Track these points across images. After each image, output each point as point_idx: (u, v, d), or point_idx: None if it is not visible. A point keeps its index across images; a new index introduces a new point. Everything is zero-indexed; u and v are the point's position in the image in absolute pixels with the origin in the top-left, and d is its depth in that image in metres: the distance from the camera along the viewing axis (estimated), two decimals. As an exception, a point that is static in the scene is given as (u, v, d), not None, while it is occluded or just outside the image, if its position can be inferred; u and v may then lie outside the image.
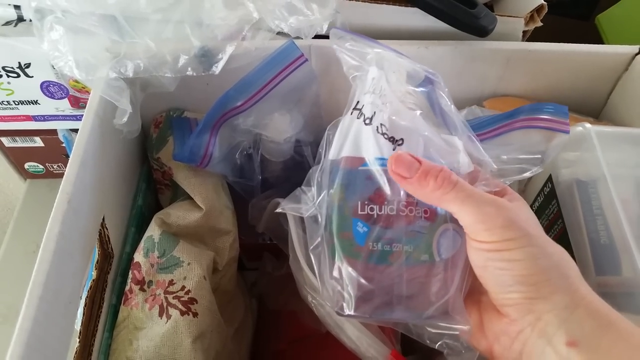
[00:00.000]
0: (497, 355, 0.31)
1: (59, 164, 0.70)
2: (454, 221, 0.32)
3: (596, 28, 0.61)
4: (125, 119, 0.40)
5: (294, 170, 0.52)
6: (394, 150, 0.33)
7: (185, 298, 0.41)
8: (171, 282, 0.42)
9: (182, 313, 0.41)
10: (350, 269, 0.33)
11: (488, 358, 0.32)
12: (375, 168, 0.33)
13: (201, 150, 0.44)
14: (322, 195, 0.35)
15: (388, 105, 0.34)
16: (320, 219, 0.35)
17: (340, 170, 0.34)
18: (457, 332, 0.32)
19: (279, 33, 0.44)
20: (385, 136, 0.33)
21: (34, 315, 0.32)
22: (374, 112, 0.33)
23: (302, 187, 0.37)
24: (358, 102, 0.35)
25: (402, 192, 0.33)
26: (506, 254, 0.29)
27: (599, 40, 0.60)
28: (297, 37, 0.43)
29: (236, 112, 0.45)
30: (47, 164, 0.70)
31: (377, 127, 0.33)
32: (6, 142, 0.65)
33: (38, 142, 0.65)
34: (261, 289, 0.58)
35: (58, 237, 0.34)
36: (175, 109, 0.49)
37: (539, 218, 0.44)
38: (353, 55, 0.37)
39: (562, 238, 0.41)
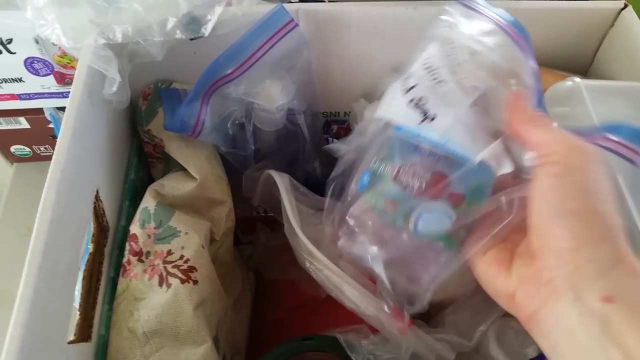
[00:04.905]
0: (518, 301, 0.30)
1: (46, 146, 0.69)
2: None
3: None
4: (114, 89, 0.40)
5: (287, 140, 0.52)
6: (420, 123, 0.32)
7: (185, 267, 0.41)
8: (169, 252, 0.42)
9: (182, 281, 0.41)
10: (356, 213, 0.34)
11: (504, 304, 0.31)
12: (402, 135, 0.33)
13: (192, 120, 0.44)
14: (357, 142, 0.37)
15: (442, 83, 0.33)
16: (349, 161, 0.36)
17: (378, 129, 0.35)
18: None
19: (265, -3, 0.43)
20: (421, 108, 0.33)
21: (35, 284, 0.32)
22: (415, 85, 0.33)
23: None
24: (411, 70, 0.34)
25: (428, 166, 0.33)
26: (569, 178, 0.28)
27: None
28: (285, 1, 0.43)
29: (227, 80, 0.45)
30: (33, 147, 0.69)
31: (414, 98, 0.33)
32: (-9, 125, 0.64)
33: (24, 123, 0.64)
34: (257, 260, 0.58)
35: (54, 207, 0.34)
36: (163, 81, 0.48)
37: (531, 174, 0.45)
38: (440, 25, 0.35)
39: (556, 191, 0.41)
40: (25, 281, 0.31)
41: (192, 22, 0.39)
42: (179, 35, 0.38)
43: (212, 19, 0.38)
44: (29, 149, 0.69)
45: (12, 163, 0.72)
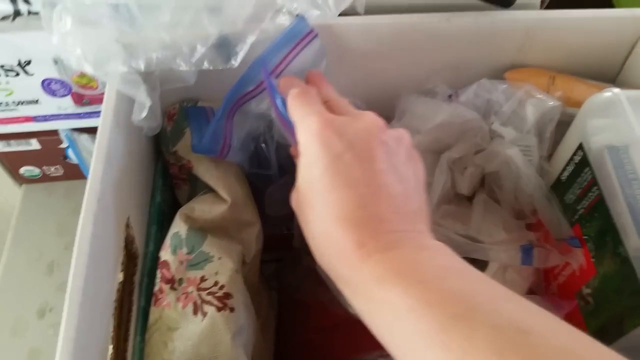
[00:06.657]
0: None
1: (57, 167, 0.67)
2: None
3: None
4: (144, 114, 0.38)
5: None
6: None
7: (220, 293, 0.40)
8: (203, 279, 0.41)
9: (219, 309, 0.39)
10: None
11: None
12: None
13: (220, 140, 0.43)
14: None
15: None
16: None
17: None
18: None
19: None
20: None
21: (77, 324, 0.30)
22: None
23: None
24: None
25: None
26: None
27: (611, 6, 0.60)
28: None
29: (249, 97, 0.43)
30: (43, 167, 0.67)
31: None
32: (0, 146, 0.62)
33: (34, 144, 0.62)
34: (283, 279, 0.56)
35: (91, 240, 0.33)
36: (188, 100, 0.47)
37: (569, 187, 0.44)
38: None
39: (599, 205, 0.40)
40: (67, 321, 0.30)
41: (222, 45, 0.38)
42: (206, 66, 0.37)
43: (243, 49, 0.37)
44: (39, 170, 0.67)
45: (20, 184, 0.70)
